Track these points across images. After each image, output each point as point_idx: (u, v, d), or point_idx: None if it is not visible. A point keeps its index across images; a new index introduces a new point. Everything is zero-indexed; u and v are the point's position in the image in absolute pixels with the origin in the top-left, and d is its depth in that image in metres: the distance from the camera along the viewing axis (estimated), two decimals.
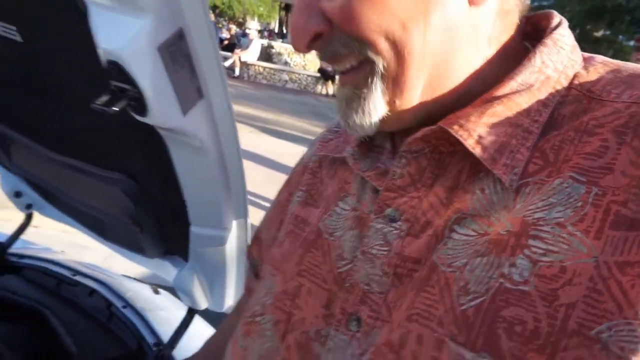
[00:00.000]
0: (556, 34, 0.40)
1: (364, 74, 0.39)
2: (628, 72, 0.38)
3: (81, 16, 0.53)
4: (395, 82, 0.38)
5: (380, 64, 0.38)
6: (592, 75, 0.39)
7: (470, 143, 0.37)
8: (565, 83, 0.39)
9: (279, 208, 0.61)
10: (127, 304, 1.26)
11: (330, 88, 11.36)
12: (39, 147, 1.01)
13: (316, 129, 6.99)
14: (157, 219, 0.97)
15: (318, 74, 11.48)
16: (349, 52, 0.38)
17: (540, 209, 0.34)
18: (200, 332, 1.29)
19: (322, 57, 0.41)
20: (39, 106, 0.90)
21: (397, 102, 0.39)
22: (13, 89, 0.88)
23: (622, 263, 0.30)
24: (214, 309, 1.10)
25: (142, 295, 1.36)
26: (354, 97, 0.40)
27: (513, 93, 0.38)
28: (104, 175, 0.93)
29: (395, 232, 0.40)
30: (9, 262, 1.37)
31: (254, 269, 0.74)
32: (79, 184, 1.05)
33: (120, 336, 1.20)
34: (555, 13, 0.42)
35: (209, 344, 0.80)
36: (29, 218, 1.41)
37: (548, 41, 0.40)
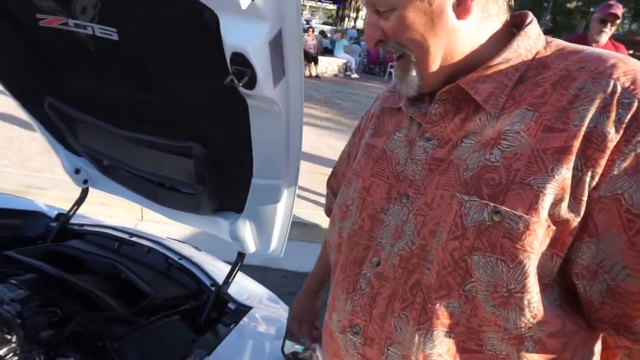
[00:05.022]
0: (528, 28, 0.66)
1: (405, 62, 0.68)
2: (568, 49, 0.64)
3: (203, 23, 0.77)
4: (421, 66, 0.67)
5: (412, 57, 0.66)
6: (548, 52, 0.65)
7: (473, 93, 0.64)
8: (530, 57, 0.65)
9: (350, 148, 0.95)
10: (182, 257, 1.49)
11: (313, 69, 11.33)
12: (114, 128, 1.23)
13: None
14: (220, 177, 1.21)
15: None
16: (396, 50, 0.68)
17: (508, 125, 0.61)
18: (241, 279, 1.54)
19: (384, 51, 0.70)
20: (124, 94, 1.12)
21: (425, 76, 0.67)
22: (106, 81, 1.10)
23: (544, 149, 0.57)
24: (261, 253, 1.35)
25: (190, 251, 1.60)
26: (401, 75, 0.70)
27: (499, 64, 0.65)
28: (177, 145, 1.16)
29: (430, 146, 0.68)
30: (72, 229, 1.59)
31: (332, 194, 1.02)
32: (149, 157, 1.27)
33: (181, 281, 1.44)
34: (529, 13, 0.70)
35: (318, 264, 1.13)
36: (85, 192, 1.62)
37: (522, 32, 0.66)
